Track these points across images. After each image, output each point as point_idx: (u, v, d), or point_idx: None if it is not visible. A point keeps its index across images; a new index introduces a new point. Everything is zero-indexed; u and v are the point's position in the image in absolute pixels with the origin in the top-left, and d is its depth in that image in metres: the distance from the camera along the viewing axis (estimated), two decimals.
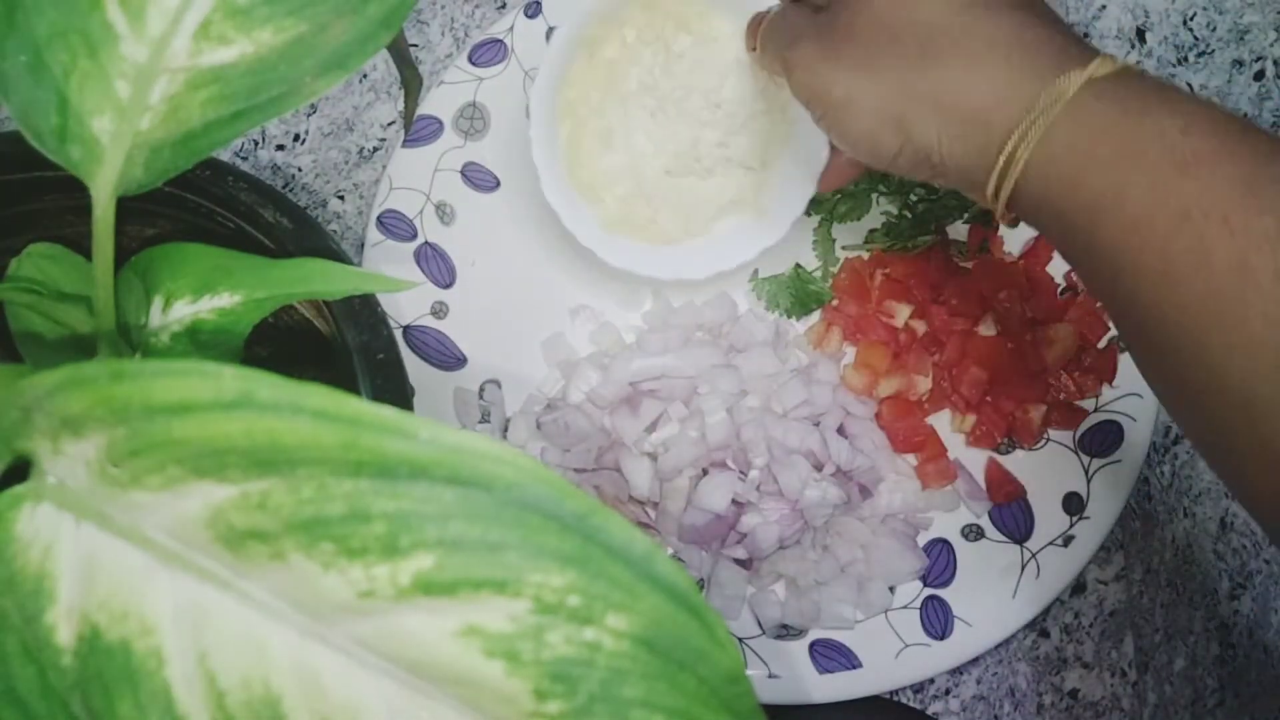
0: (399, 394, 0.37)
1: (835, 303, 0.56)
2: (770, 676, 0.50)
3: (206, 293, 0.32)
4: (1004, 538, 0.53)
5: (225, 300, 0.32)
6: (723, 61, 0.50)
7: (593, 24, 0.49)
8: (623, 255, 0.51)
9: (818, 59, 0.40)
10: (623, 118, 0.51)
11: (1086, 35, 0.62)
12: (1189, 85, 0.61)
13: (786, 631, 0.51)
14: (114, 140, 0.28)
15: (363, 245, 0.55)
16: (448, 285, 0.56)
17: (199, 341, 0.31)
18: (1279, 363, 0.29)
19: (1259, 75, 0.62)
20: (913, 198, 0.57)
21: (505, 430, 0.54)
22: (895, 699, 0.53)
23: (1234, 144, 0.31)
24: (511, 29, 0.59)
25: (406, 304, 0.55)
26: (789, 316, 0.56)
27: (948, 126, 0.36)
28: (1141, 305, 0.32)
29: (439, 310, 0.55)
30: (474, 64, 0.58)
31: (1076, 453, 0.53)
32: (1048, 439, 0.54)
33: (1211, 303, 0.30)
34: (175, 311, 0.32)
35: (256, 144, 0.59)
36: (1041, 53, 0.35)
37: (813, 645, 0.51)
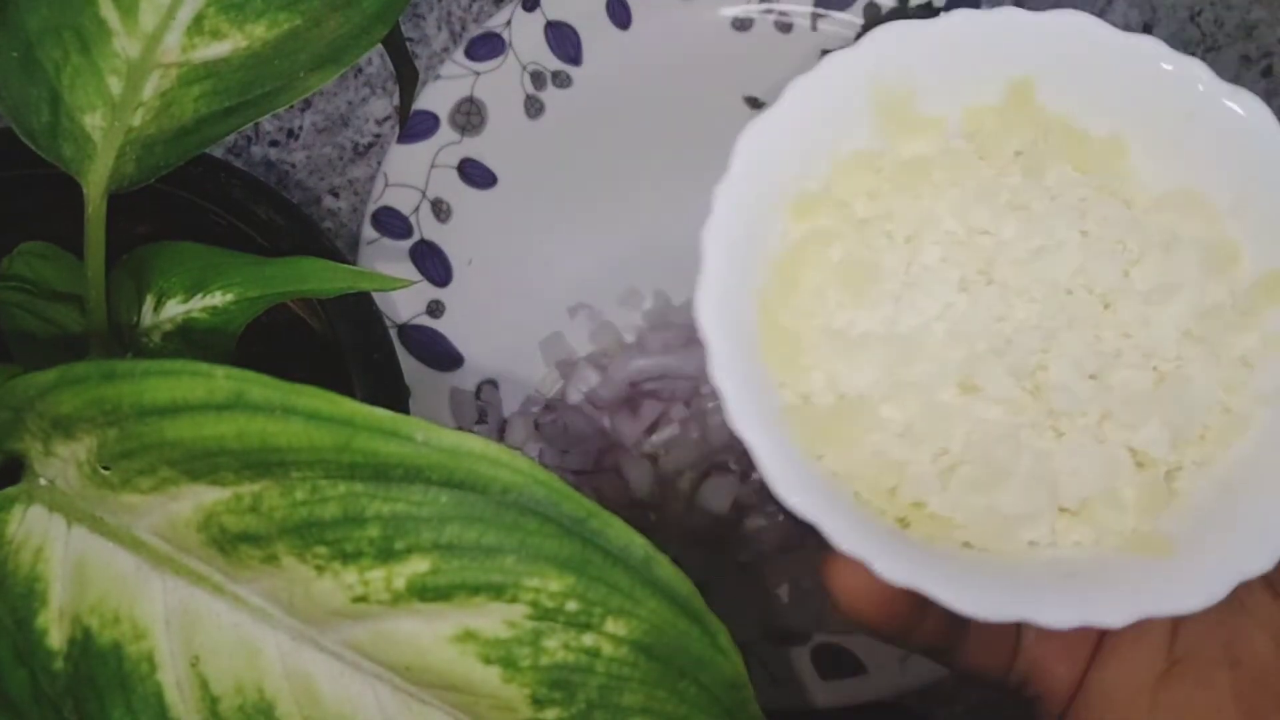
0: (394, 394, 0.37)
1: None
2: (772, 682, 0.50)
3: (199, 291, 0.31)
4: None
5: (218, 299, 0.31)
6: (1142, 232, 0.24)
7: (906, 82, 0.25)
8: (815, 505, 0.22)
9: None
10: (907, 263, 0.24)
11: None
12: None
13: (789, 636, 0.51)
14: (106, 137, 0.28)
15: (357, 243, 0.55)
16: (444, 284, 0.56)
17: (191, 341, 0.31)
18: None
19: (1266, 71, 0.61)
20: None
21: (502, 431, 0.54)
22: (900, 705, 0.53)
23: None
24: (509, 23, 0.58)
25: (402, 303, 0.55)
26: None
27: None
28: None
29: (435, 309, 0.55)
30: (471, 58, 0.58)
31: None
32: None
33: None
34: (167, 310, 0.32)
35: (250, 140, 0.59)
36: None
37: (816, 650, 0.50)
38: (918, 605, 0.23)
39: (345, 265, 0.32)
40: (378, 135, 0.59)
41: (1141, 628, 0.22)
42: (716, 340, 0.22)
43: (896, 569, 0.21)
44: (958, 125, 0.25)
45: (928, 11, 0.57)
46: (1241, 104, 0.23)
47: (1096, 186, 0.24)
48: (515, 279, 0.56)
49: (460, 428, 0.53)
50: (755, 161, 0.24)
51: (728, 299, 0.23)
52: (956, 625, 0.25)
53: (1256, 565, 0.21)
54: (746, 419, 0.21)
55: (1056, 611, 0.21)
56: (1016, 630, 0.26)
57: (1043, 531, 0.23)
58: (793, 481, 0.21)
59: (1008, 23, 0.24)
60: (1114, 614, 0.21)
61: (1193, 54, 0.25)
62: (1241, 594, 0.22)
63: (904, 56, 0.24)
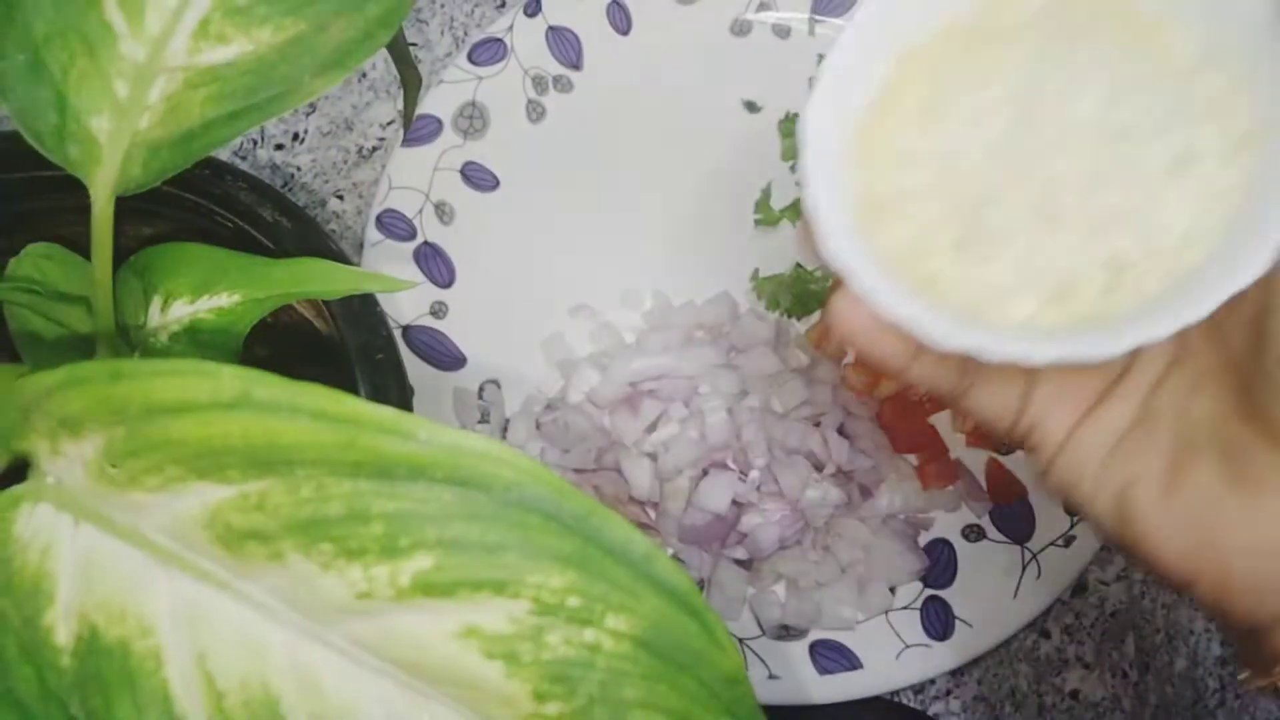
0: (398, 394, 0.37)
1: None
2: (770, 677, 0.50)
3: (205, 292, 0.32)
4: (1005, 538, 0.53)
5: (224, 300, 0.32)
6: (1164, 86, 0.30)
7: None
8: (847, 256, 0.29)
9: (1222, 484, 0.28)
10: (972, 102, 0.31)
11: None
12: None
13: (787, 632, 0.51)
14: (112, 140, 0.28)
15: (362, 245, 0.55)
16: (447, 285, 0.56)
17: (198, 341, 0.31)
18: None
19: None
20: None
21: (505, 430, 0.54)
22: (896, 700, 0.53)
23: None
24: (511, 28, 0.59)
25: (406, 304, 0.55)
26: (789, 316, 0.56)
27: None
28: None
29: (438, 310, 0.55)
30: (473, 63, 0.58)
31: None
32: None
33: None
34: (174, 311, 0.32)
35: (255, 143, 0.59)
36: None
37: (813, 646, 0.51)
38: (912, 343, 0.29)
39: (350, 267, 0.32)
40: (382, 139, 0.60)
41: (1118, 395, 0.30)
42: (815, 143, 0.29)
43: (891, 306, 0.27)
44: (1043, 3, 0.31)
45: None
46: None
47: (1138, 48, 0.30)
48: (517, 280, 0.56)
49: (463, 427, 0.53)
50: (870, 25, 0.30)
51: (830, 116, 0.30)
52: (968, 367, 0.31)
53: (1154, 333, 0.26)
54: (820, 202, 0.28)
55: (1005, 346, 0.27)
56: (1026, 387, 0.31)
57: (1028, 308, 0.29)
58: (836, 242, 0.28)
59: None
60: (1041, 352, 0.27)
61: None
62: (1199, 374, 0.29)
63: None
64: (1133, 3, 0.30)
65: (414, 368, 0.54)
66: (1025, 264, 0.29)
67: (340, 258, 0.37)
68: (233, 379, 0.20)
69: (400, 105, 0.60)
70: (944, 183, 0.30)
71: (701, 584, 0.51)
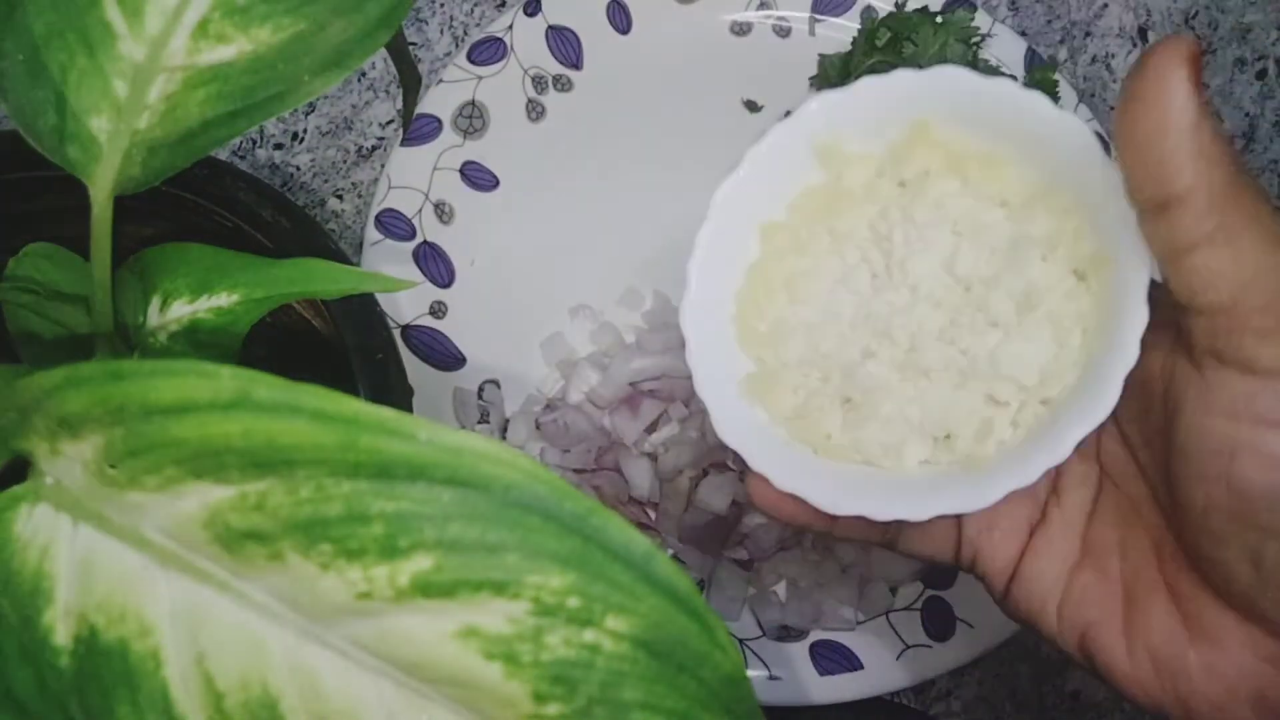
0: (397, 394, 0.37)
1: None
2: (771, 678, 0.50)
3: (204, 292, 0.32)
4: None
5: (223, 300, 0.31)
6: (1005, 230, 0.31)
7: (835, 132, 0.32)
8: (740, 429, 0.31)
9: (1178, 633, 0.29)
10: (836, 268, 0.33)
11: (1088, 34, 0.62)
12: None
13: (787, 633, 0.51)
14: (112, 139, 0.28)
15: (361, 245, 0.55)
16: (447, 285, 0.56)
17: (197, 341, 0.31)
18: None
19: (1261, 74, 0.61)
20: None
21: (504, 431, 0.54)
22: (896, 700, 0.53)
23: None
24: (511, 27, 0.59)
25: (405, 304, 0.55)
26: None
27: None
28: None
29: (438, 310, 0.55)
30: (473, 62, 0.58)
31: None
32: None
33: None
34: (173, 311, 0.32)
35: (254, 143, 0.59)
36: None
37: (813, 646, 0.51)
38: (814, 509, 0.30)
39: (349, 267, 0.32)
40: (381, 138, 0.60)
41: (1055, 526, 0.31)
42: (692, 338, 0.31)
43: (783, 479, 0.30)
44: (881, 157, 0.32)
45: (923, 15, 0.57)
46: (1073, 119, 0.29)
47: (977, 195, 0.31)
48: (517, 280, 0.56)
49: (463, 427, 0.53)
50: (727, 206, 0.33)
51: (705, 307, 0.32)
52: (890, 524, 0.33)
53: (1022, 480, 0.28)
54: (705, 387, 0.31)
55: (881, 510, 0.29)
56: (956, 525, 0.33)
57: (920, 454, 0.31)
58: (729, 426, 0.31)
59: (905, 80, 0.30)
60: (918, 511, 0.29)
61: None
62: (1129, 504, 0.30)
63: (831, 116, 0.32)
64: (965, 145, 0.31)
65: (414, 368, 0.54)
66: (904, 418, 0.31)
67: (340, 257, 0.37)
68: (232, 379, 0.20)
69: (399, 105, 0.60)
70: (818, 351, 0.32)
71: (701, 584, 0.51)
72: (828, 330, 0.32)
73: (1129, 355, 0.27)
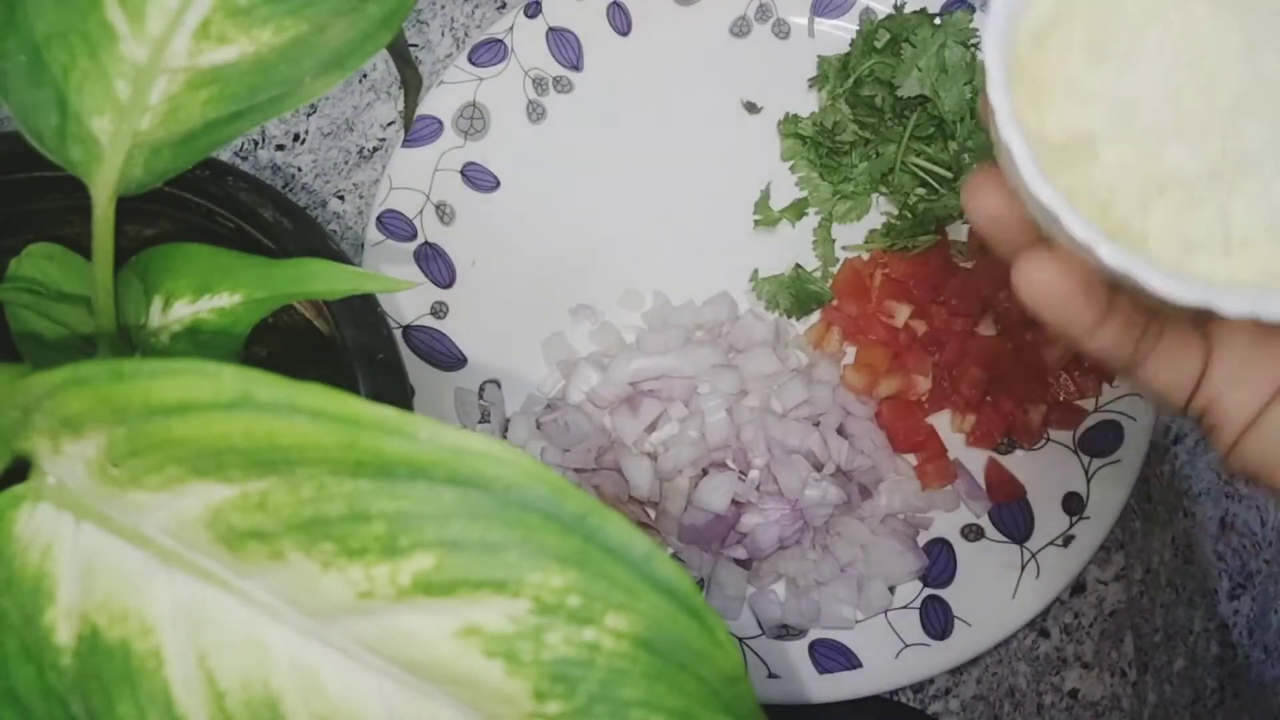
0: (398, 394, 0.37)
1: (835, 303, 0.56)
2: (770, 676, 0.50)
3: (206, 293, 0.32)
4: (1004, 538, 0.53)
5: (225, 300, 0.32)
6: None
7: None
8: (1057, 210, 0.27)
9: None
10: (1138, 36, 0.29)
11: None
12: None
13: (786, 631, 0.51)
14: (113, 140, 0.28)
15: (362, 245, 0.55)
16: (448, 285, 0.56)
17: (199, 341, 0.31)
18: None
19: None
20: (912, 198, 0.57)
21: (505, 430, 0.54)
22: (895, 699, 0.53)
23: None
24: (511, 29, 0.59)
25: (406, 304, 0.55)
26: (789, 316, 0.56)
27: None
28: None
29: (439, 310, 0.55)
30: (474, 64, 0.58)
31: (1076, 453, 0.53)
32: (1048, 439, 0.54)
33: None
34: (175, 311, 0.32)
35: (256, 144, 0.59)
36: None
37: (813, 645, 0.51)
38: (1102, 305, 0.27)
39: (350, 267, 0.32)
40: (382, 139, 0.60)
41: None
42: (995, 67, 0.27)
43: (1116, 255, 0.26)
44: None
45: (921, 16, 0.57)
46: None
47: None
48: (517, 280, 0.56)
49: (464, 426, 0.53)
50: None
51: (1003, 37, 0.28)
52: (1147, 337, 0.29)
53: None
54: (1013, 133, 0.27)
55: (1234, 302, 0.25)
56: (1204, 360, 0.30)
57: (1219, 264, 0.27)
58: (1038, 181, 0.26)
59: None
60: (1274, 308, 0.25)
61: None
62: None
63: None
64: None
65: (414, 368, 0.54)
66: (1220, 216, 0.27)
67: (341, 258, 0.37)
68: (234, 379, 0.20)
69: (401, 106, 0.60)
70: (1125, 127, 0.28)
71: (701, 583, 0.52)
72: (1137, 108, 0.28)
73: None
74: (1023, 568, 0.52)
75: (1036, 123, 0.28)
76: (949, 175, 0.56)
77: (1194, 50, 0.28)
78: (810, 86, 0.60)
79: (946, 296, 0.55)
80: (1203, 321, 0.30)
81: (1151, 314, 0.29)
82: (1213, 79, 0.28)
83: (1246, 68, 0.28)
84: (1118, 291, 0.28)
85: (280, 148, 0.59)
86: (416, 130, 0.57)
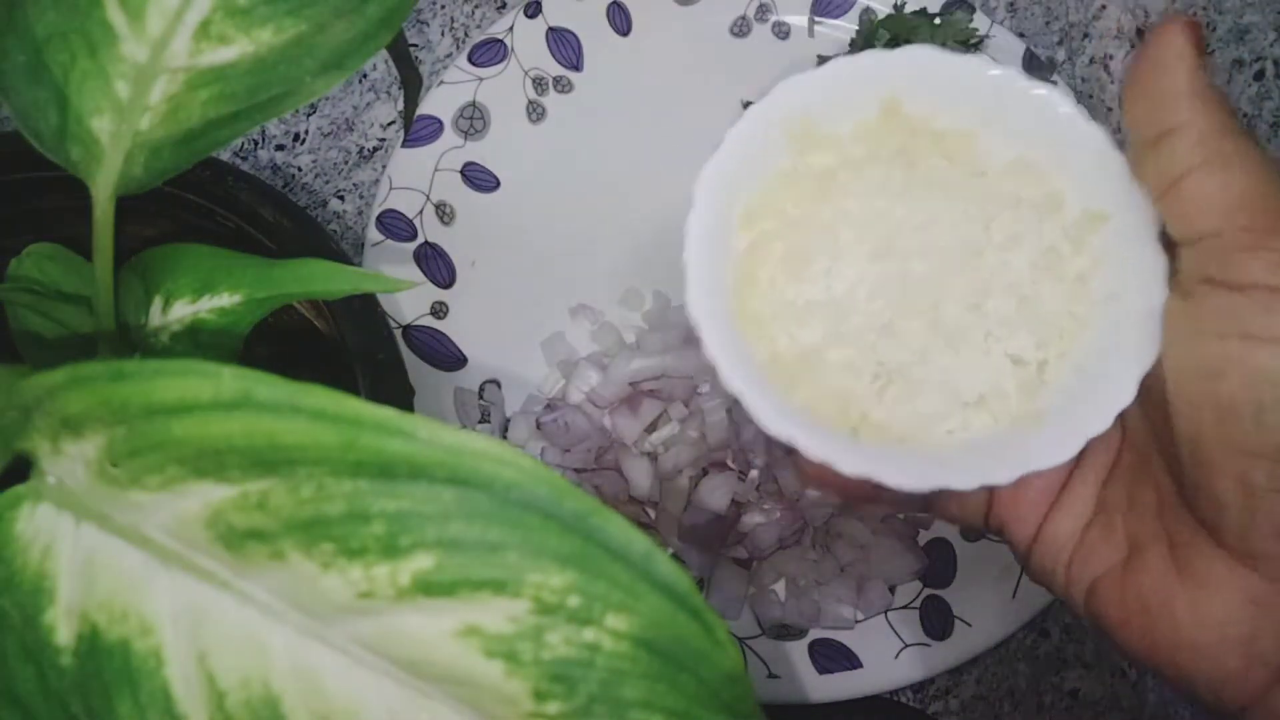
0: (399, 394, 0.37)
1: None
2: (770, 676, 0.50)
3: (206, 293, 0.32)
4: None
5: (225, 300, 0.32)
6: (995, 197, 0.31)
7: (807, 113, 0.33)
8: (812, 436, 0.29)
9: (1170, 579, 0.29)
10: (830, 246, 0.32)
11: (1086, 35, 0.62)
12: None
13: (786, 631, 0.51)
14: (114, 140, 0.28)
15: (362, 245, 0.55)
16: (448, 285, 0.56)
17: (199, 342, 0.31)
18: None
19: (1259, 75, 0.62)
20: None
21: (505, 430, 0.54)
22: (895, 699, 0.53)
23: None
24: (511, 29, 0.59)
25: (406, 304, 0.55)
26: None
27: None
28: None
29: (439, 310, 0.55)
30: (474, 64, 0.58)
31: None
32: None
33: None
34: (175, 311, 0.32)
35: (256, 144, 0.59)
36: None
37: (812, 645, 0.51)
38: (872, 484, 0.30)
39: (350, 267, 0.33)
40: (382, 139, 0.60)
41: (1076, 487, 0.31)
42: (706, 326, 0.30)
43: (852, 463, 0.28)
44: (850, 137, 0.32)
45: (921, 17, 0.57)
46: (1047, 92, 0.30)
47: (959, 167, 0.32)
48: (517, 280, 0.56)
49: (464, 427, 0.53)
50: (711, 191, 0.32)
51: (708, 295, 0.31)
52: (934, 492, 0.32)
53: (1098, 427, 0.28)
54: (735, 377, 0.29)
55: (963, 478, 0.28)
56: (989, 492, 0.33)
57: (955, 423, 0.31)
58: (772, 415, 0.29)
59: (875, 59, 0.31)
60: (1003, 474, 0.28)
61: None
62: (1142, 461, 0.30)
63: (802, 97, 0.33)
64: (936, 121, 0.32)
65: (414, 368, 0.54)
66: (944, 387, 0.31)
67: (341, 258, 0.37)
68: (234, 379, 0.21)
69: (401, 106, 0.60)
70: (841, 330, 0.31)
71: (701, 583, 0.52)
72: (847, 309, 0.31)
73: (1157, 293, 0.28)
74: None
75: (768, 349, 0.31)
76: None
77: (882, 240, 0.32)
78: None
79: None
80: None
81: None
82: (905, 262, 0.31)
83: (930, 246, 0.31)
84: None
85: (280, 148, 0.59)
86: (416, 130, 0.57)
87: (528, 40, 0.59)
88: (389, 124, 0.60)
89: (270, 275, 0.32)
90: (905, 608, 0.52)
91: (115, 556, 0.22)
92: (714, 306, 0.30)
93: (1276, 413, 0.25)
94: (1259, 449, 0.26)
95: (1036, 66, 0.57)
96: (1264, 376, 0.25)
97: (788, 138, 0.33)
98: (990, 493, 0.33)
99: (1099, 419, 0.28)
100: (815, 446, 0.28)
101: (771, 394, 0.30)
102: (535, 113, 0.59)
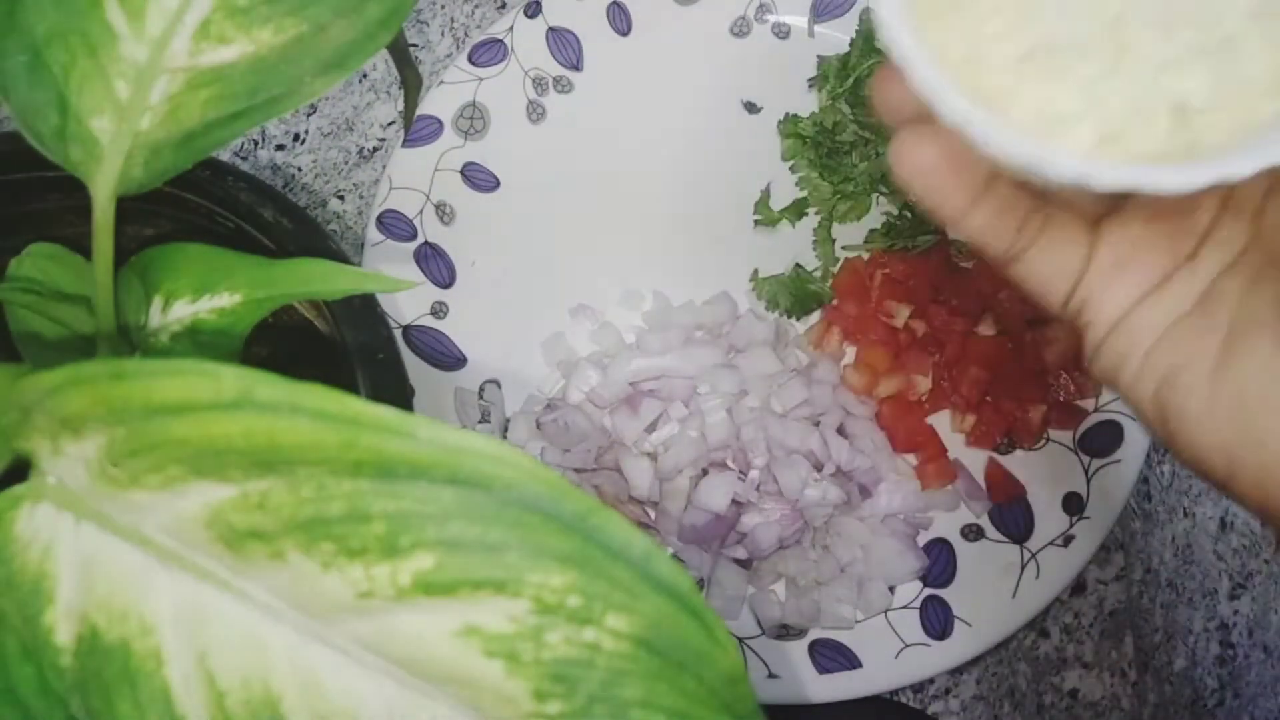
0: (398, 394, 0.37)
1: (835, 303, 0.56)
2: (770, 676, 0.50)
3: (206, 293, 0.32)
4: (1004, 538, 0.53)
5: (225, 300, 0.32)
6: None
7: None
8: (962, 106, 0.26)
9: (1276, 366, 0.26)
10: None
11: None
12: None
13: (786, 631, 0.51)
14: (113, 140, 0.28)
15: (362, 245, 0.55)
16: (447, 285, 0.56)
17: (199, 341, 0.31)
18: None
19: None
20: (913, 198, 0.57)
21: (505, 430, 0.54)
22: (895, 699, 0.53)
23: None
24: (511, 29, 0.59)
25: (406, 304, 0.55)
26: (789, 316, 0.56)
27: None
28: None
29: (439, 310, 0.55)
30: (474, 64, 0.58)
31: (1076, 453, 0.53)
32: (1048, 439, 0.54)
33: None
34: (175, 311, 0.32)
35: (256, 144, 0.59)
36: None
37: (812, 645, 0.51)
38: (976, 186, 0.27)
39: (350, 267, 0.33)
40: (382, 139, 0.60)
41: (1181, 280, 0.28)
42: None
43: (1009, 140, 0.24)
44: None
45: None
46: None
47: None
48: (517, 280, 0.56)
49: (464, 426, 0.53)
50: None
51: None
52: (1029, 227, 0.29)
53: (1239, 170, 0.23)
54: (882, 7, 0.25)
55: (1108, 176, 0.24)
56: (1087, 257, 0.29)
57: (1084, 138, 0.26)
58: (920, 66, 0.25)
59: None
60: (1242, 167, 0.23)
61: None
62: (1269, 260, 0.27)
63: None
64: None
65: (414, 368, 0.54)
66: (1090, 91, 0.26)
67: (341, 258, 0.37)
68: (234, 379, 0.21)
69: (401, 106, 0.60)
70: None
71: (701, 583, 0.52)
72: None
73: None
74: (1023, 568, 0.52)
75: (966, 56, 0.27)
76: None
77: None
78: (810, 86, 0.60)
79: (946, 296, 0.55)
80: (1091, 218, 0.29)
81: (1035, 204, 0.29)
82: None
83: None
84: (998, 178, 0.28)
85: (280, 148, 0.59)
86: (416, 130, 0.57)
87: (528, 40, 0.59)
88: (389, 124, 0.60)
89: (270, 275, 0.32)
90: (905, 608, 0.52)
91: (115, 556, 0.22)
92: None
93: None
94: None
95: None
96: None
97: None
98: (1086, 264, 0.29)
99: (1247, 163, 0.24)
100: (957, 105, 0.25)
101: (921, 47, 0.26)
102: (535, 113, 0.59)
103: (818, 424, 0.53)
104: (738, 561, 0.52)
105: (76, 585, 0.22)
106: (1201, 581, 0.55)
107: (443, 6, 0.61)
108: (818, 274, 0.57)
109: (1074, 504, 0.53)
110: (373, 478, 0.20)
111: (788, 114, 0.59)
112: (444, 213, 0.57)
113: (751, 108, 0.60)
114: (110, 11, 0.28)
